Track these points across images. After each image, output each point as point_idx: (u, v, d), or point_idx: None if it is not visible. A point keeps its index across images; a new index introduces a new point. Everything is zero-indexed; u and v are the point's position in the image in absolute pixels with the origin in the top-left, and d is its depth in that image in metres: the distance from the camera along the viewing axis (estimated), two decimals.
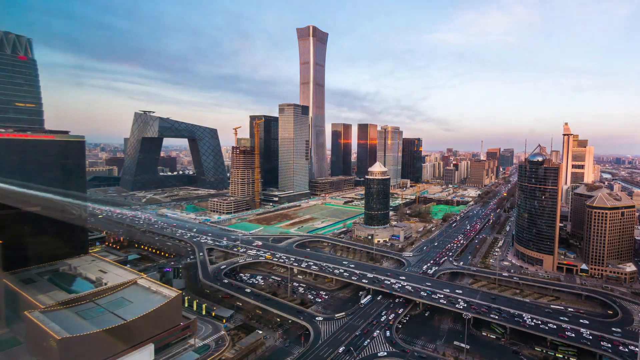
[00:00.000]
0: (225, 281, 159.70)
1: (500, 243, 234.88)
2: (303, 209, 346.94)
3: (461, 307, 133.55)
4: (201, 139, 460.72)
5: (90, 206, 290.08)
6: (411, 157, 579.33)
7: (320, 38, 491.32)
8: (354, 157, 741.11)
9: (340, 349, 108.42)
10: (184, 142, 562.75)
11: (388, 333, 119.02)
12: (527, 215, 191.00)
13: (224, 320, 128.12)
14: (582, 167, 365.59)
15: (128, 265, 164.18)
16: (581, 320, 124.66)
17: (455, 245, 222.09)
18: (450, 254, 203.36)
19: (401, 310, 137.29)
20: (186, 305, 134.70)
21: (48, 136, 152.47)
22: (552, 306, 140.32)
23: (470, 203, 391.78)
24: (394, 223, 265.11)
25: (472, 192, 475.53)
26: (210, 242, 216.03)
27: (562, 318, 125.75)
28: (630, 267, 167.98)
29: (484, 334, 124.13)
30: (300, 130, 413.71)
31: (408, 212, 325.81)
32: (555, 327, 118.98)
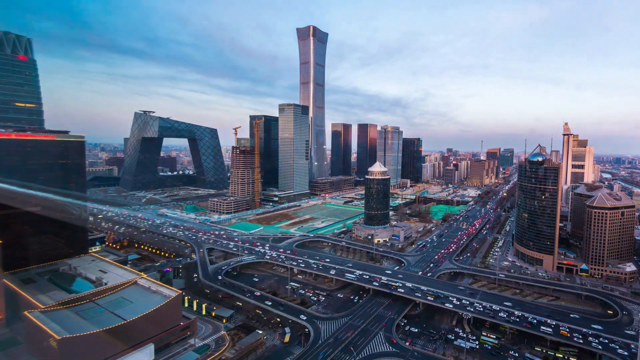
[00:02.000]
0: (225, 281, 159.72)
1: (500, 243, 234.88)
2: (303, 209, 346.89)
3: (461, 307, 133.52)
4: (201, 138, 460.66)
5: (90, 206, 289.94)
6: (411, 157, 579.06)
7: (320, 38, 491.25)
8: (354, 157, 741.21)
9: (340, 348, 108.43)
10: (184, 142, 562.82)
11: (388, 333, 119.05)
12: (527, 215, 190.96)
13: (224, 320, 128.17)
14: (582, 167, 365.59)
15: (128, 265, 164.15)
16: (581, 321, 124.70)
17: (455, 245, 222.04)
18: (450, 253, 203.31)
19: (401, 310, 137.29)
20: (186, 305, 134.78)
21: (48, 136, 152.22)
22: (552, 306, 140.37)
23: (470, 203, 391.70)
24: (394, 223, 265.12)
25: (472, 192, 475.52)
26: (210, 242, 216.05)
27: (562, 318, 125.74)
28: (630, 267, 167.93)
29: (483, 333, 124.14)
30: (300, 130, 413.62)
31: (408, 212, 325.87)
32: (555, 327, 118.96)
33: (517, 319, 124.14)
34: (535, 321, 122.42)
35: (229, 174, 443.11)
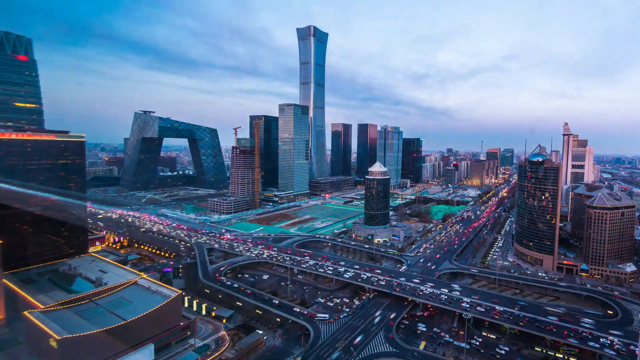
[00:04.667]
0: (225, 281, 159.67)
1: (500, 243, 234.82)
2: (303, 209, 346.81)
3: (461, 307, 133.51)
4: (201, 139, 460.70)
5: (90, 206, 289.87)
6: (411, 157, 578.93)
7: (320, 38, 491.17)
8: (354, 157, 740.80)
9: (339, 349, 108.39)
10: (184, 142, 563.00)
11: (388, 333, 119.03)
12: (527, 215, 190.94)
13: (224, 320, 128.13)
14: (582, 167, 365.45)
15: (128, 265, 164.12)
16: (581, 321, 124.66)
17: (455, 245, 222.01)
18: (450, 254, 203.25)
19: (401, 310, 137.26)
20: (186, 305, 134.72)
21: (48, 136, 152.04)
22: (551, 306, 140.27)
23: (470, 203, 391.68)
24: (394, 223, 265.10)
25: (472, 192, 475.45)
26: (210, 242, 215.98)
27: (561, 318, 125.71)
28: (630, 267, 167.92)
29: (483, 334, 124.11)
30: (300, 130, 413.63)
31: (408, 212, 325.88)
32: (555, 327, 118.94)
33: (517, 319, 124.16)
34: (535, 321, 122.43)
35: (229, 174, 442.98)
